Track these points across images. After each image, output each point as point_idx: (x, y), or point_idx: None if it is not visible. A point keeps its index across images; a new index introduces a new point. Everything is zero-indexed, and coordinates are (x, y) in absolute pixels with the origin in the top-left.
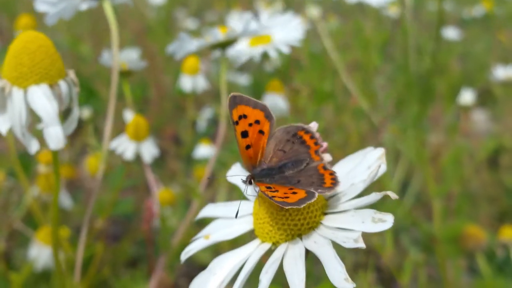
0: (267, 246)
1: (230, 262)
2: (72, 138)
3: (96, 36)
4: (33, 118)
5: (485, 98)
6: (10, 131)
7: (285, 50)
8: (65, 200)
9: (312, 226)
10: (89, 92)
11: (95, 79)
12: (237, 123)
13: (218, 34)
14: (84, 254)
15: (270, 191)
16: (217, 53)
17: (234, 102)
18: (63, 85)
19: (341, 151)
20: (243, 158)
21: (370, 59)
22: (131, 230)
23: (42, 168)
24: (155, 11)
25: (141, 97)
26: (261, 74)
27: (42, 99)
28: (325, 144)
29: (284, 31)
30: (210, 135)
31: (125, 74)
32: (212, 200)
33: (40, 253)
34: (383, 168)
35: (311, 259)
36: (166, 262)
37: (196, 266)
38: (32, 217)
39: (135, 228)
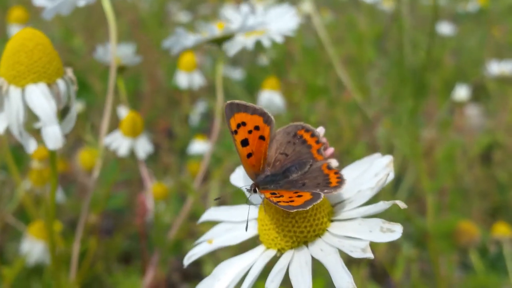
0: (272, 253)
1: (235, 268)
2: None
3: (88, 29)
4: (30, 117)
5: (479, 93)
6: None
7: (279, 39)
8: (58, 194)
9: (318, 233)
10: (81, 86)
11: (87, 72)
12: (236, 132)
13: (215, 30)
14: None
15: (275, 197)
16: (213, 47)
17: (231, 110)
18: (61, 84)
19: (334, 145)
20: (245, 167)
21: (364, 53)
22: (124, 225)
23: (36, 164)
24: (148, 3)
25: (134, 90)
26: (254, 68)
27: (40, 98)
28: (331, 149)
29: (279, 22)
30: (204, 129)
31: (119, 69)
32: (205, 195)
33: (32, 247)
34: (391, 176)
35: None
36: (159, 257)
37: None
38: (24, 211)
39: (128, 222)
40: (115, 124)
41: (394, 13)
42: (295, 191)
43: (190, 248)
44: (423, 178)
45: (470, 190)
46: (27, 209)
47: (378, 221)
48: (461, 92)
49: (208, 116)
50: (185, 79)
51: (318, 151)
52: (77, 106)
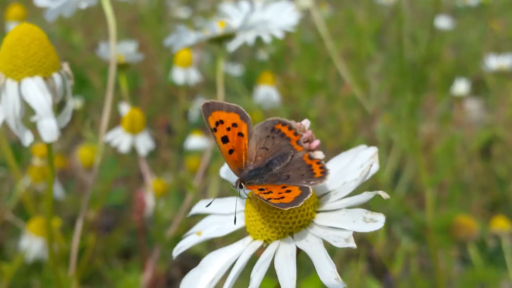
0: (258, 243)
1: (222, 259)
2: (64, 128)
3: (87, 25)
4: (27, 110)
5: (478, 87)
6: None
7: (279, 35)
8: (57, 190)
9: (303, 224)
10: (81, 82)
11: (87, 68)
12: (215, 130)
13: (216, 28)
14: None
15: (264, 193)
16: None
17: (208, 109)
18: (57, 78)
19: (333, 140)
20: (228, 163)
21: (363, 47)
22: (123, 221)
23: (37, 161)
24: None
25: (133, 87)
26: (253, 63)
27: (36, 92)
28: (316, 142)
29: (278, 17)
30: (203, 124)
31: (121, 66)
32: (205, 191)
33: (31, 244)
34: (375, 167)
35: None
36: (159, 253)
37: (189, 256)
38: (24, 208)
39: (127, 218)
40: (115, 120)
41: (393, 7)
42: (282, 185)
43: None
44: (422, 173)
45: (470, 184)
46: (26, 206)
47: (361, 211)
48: (460, 86)
49: None
50: (181, 75)
51: (297, 142)
52: (75, 102)
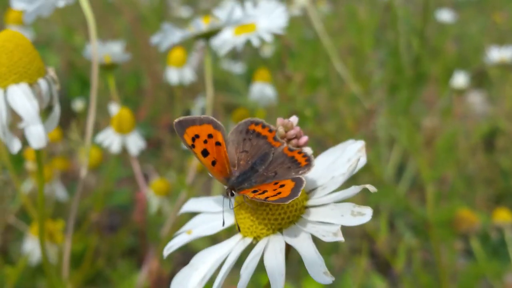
0: (248, 241)
1: (212, 257)
2: (66, 130)
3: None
4: (13, 117)
5: (481, 80)
6: None
7: (268, 38)
8: (60, 192)
9: (292, 220)
10: (83, 83)
11: (89, 69)
12: (193, 146)
13: (201, 25)
14: (78, 247)
15: (259, 193)
16: (201, 43)
17: (182, 127)
18: (42, 84)
19: (336, 136)
20: (214, 174)
21: (364, 43)
22: (128, 221)
23: (30, 165)
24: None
25: (136, 87)
26: (255, 61)
27: (22, 99)
28: (305, 138)
29: (268, 19)
30: None
31: (108, 67)
32: (208, 187)
33: (35, 247)
34: (363, 161)
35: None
36: (156, 252)
37: (192, 254)
38: (27, 211)
39: (131, 218)
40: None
41: (388, 2)
42: (274, 182)
43: (194, 242)
44: (423, 168)
45: (473, 177)
46: (28, 209)
47: (349, 205)
48: (460, 79)
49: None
50: (175, 75)
51: (274, 138)
52: (77, 103)
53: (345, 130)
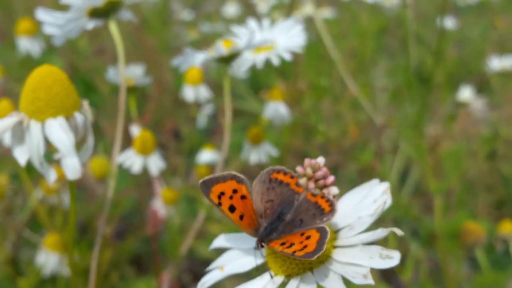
0: (279, 279)
1: None
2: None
3: (92, 30)
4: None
5: (482, 86)
6: None
7: (287, 57)
8: (68, 202)
9: (322, 259)
10: (87, 87)
11: (92, 73)
12: (220, 203)
13: (222, 49)
14: (87, 257)
15: (287, 247)
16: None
17: (207, 187)
18: (78, 117)
19: (339, 142)
20: (243, 228)
21: (367, 48)
22: (134, 228)
23: (50, 184)
24: (152, 2)
25: (141, 92)
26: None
27: (59, 132)
28: (331, 178)
29: (286, 38)
30: (210, 130)
31: (130, 90)
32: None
33: (48, 259)
34: (388, 203)
35: None
36: (174, 270)
37: (199, 262)
38: (36, 220)
39: (137, 225)
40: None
41: (398, 10)
42: (300, 232)
43: (201, 249)
44: (430, 179)
45: (474, 183)
46: (40, 219)
47: (377, 248)
48: (465, 93)
49: (215, 117)
50: (191, 92)
51: (296, 184)
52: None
53: (348, 135)
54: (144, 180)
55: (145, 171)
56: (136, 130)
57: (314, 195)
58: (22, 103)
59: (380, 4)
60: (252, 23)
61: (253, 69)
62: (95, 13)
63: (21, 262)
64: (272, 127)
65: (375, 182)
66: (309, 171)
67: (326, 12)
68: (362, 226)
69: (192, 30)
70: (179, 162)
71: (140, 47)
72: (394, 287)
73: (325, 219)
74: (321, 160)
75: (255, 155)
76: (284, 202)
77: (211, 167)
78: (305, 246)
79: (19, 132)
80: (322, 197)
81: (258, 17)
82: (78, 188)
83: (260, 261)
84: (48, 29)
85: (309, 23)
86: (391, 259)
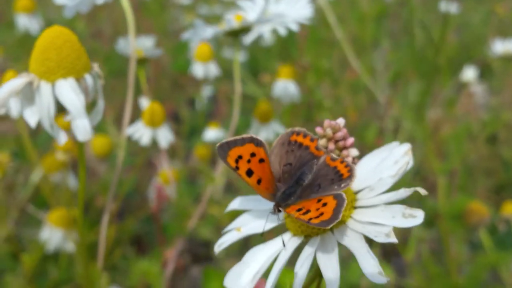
0: (299, 239)
1: (264, 255)
2: None
3: (91, 11)
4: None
5: (483, 71)
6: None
7: (294, 28)
8: (71, 180)
9: (343, 220)
10: None
11: (91, 55)
12: (237, 168)
13: (233, 22)
14: (94, 236)
15: (303, 213)
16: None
17: (224, 150)
18: (88, 79)
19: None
20: (260, 193)
21: (367, 32)
22: (134, 208)
23: (60, 155)
24: None
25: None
26: (258, 50)
27: (70, 93)
28: (351, 139)
29: (293, 10)
30: (210, 112)
31: (140, 61)
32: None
33: (52, 235)
34: (411, 164)
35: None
36: (182, 245)
37: (199, 243)
38: (38, 197)
39: (137, 205)
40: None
41: None
42: (317, 198)
43: (201, 230)
44: (433, 160)
45: (475, 168)
46: (43, 196)
47: (400, 207)
48: (469, 73)
49: (214, 100)
50: (201, 69)
51: (316, 148)
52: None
53: (348, 118)
54: (143, 161)
55: (144, 156)
56: (145, 102)
57: (333, 159)
58: (32, 64)
59: None
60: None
61: (252, 53)
62: None
63: (24, 239)
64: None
65: (395, 144)
66: (329, 132)
67: None
68: (384, 186)
69: (190, 13)
70: (178, 145)
71: (137, 30)
72: (396, 267)
73: (343, 185)
74: (341, 121)
75: (264, 133)
76: (303, 166)
77: (211, 148)
78: (321, 214)
79: (29, 94)
80: (342, 162)
81: None
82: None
83: (279, 222)
84: (60, 0)
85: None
86: (415, 218)
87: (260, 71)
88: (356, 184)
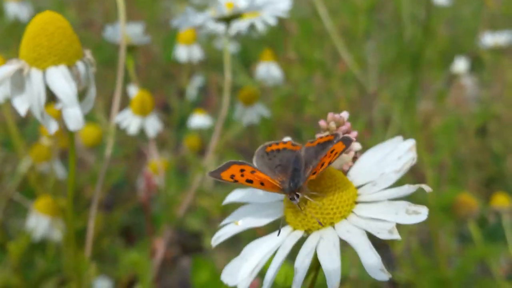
0: (299, 233)
1: (262, 249)
2: None
3: (81, 1)
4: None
5: (473, 63)
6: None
7: (272, 22)
8: (59, 169)
9: (344, 215)
10: None
11: (82, 45)
12: (236, 181)
13: (224, 9)
14: (80, 225)
15: (321, 166)
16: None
17: (216, 176)
18: (80, 66)
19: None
20: (269, 191)
21: (358, 24)
22: (123, 199)
23: (45, 140)
24: None
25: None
26: (249, 41)
27: (61, 80)
28: (354, 133)
29: (272, 3)
30: (200, 102)
31: (129, 48)
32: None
33: (38, 222)
34: (415, 160)
35: None
36: (157, 230)
37: (188, 235)
38: (25, 187)
39: (126, 196)
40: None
41: None
42: (321, 163)
43: (190, 221)
44: (423, 153)
45: (465, 160)
46: (31, 185)
47: (404, 204)
48: (460, 65)
49: (204, 90)
50: (184, 52)
51: (292, 144)
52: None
53: (339, 111)
54: (132, 151)
55: (133, 146)
56: (134, 90)
57: (312, 141)
58: (23, 50)
59: None
60: None
61: (243, 43)
62: None
63: (11, 229)
64: (262, 100)
65: (398, 139)
66: (332, 125)
67: None
68: (387, 182)
69: (182, 3)
70: (168, 135)
71: (128, 20)
72: (385, 259)
73: (335, 141)
74: (345, 114)
75: (248, 116)
76: (291, 160)
77: (201, 138)
78: (336, 153)
79: (19, 81)
80: (321, 137)
81: None
82: (68, 157)
83: (278, 213)
84: None
85: None
86: (418, 214)
87: (252, 62)
88: (358, 179)
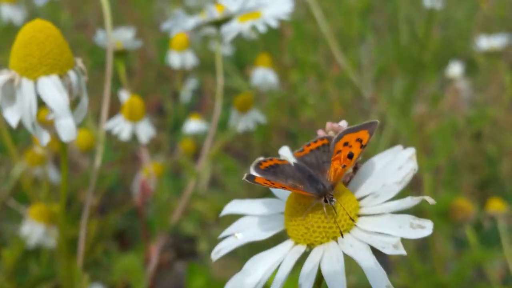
0: (301, 248)
1: (265, 264)
2: None
3: (75, 3)
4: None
5: (468, 67)
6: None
7: (274, 24)
8: (52, 174)
9: (347, 228)
10: None
11: (74, 48)
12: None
13: (215, 13)
14: (75, 232)
15: (348, 157)
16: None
17: (251, 181)
18: (72, 75)
19: (325, 120)
20: (303, 193)
21: (352, 27)
22: (117, 203)
23: (39, 149)
24: None
25: (124, 66)
26: (243, 44)
27: (53, 91)
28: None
29: (273, 5)
30: (195, 105)
31: (119, 53)
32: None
33: (33, 230)
34: (416, 170)
35: None
36: (152, 235)
37: (182, 239)
38: (19, 192)
39: (120, 200)
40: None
41: None
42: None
43: (185, 226)
44: (418, 156)
45: (460, 164)
46: (24, 190)
47: (408, 217)
48: (455, 69)
49: (199, 93)
50: (177, 58)
51: (285, 159)
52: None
53: (333, 113)
54: (126, 155)
55: (127, 150)
56: (124, 96)
57: (301, 151)
58: (13, 60)
59: None
60: None
61: (238, 46)
62: None
63: (4, 234)
64: (257, 104)
65: (398, 148)
66: (331, 134)
67: None
68: (389, 194)
69: (176, 4)
70: (163, 138)
71: (123, 21)
72: (381, 264)
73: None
74: (343, 123)
75: (243, 123)
76: (294, 170)
77: (196, 141)
78: (361, 140)
79: (10, 91)
80: (314, 141)
81: None
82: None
83: (279, 227)
84: None
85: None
86: (423, 228)
87: (246, 65)
88: (359, 190)
